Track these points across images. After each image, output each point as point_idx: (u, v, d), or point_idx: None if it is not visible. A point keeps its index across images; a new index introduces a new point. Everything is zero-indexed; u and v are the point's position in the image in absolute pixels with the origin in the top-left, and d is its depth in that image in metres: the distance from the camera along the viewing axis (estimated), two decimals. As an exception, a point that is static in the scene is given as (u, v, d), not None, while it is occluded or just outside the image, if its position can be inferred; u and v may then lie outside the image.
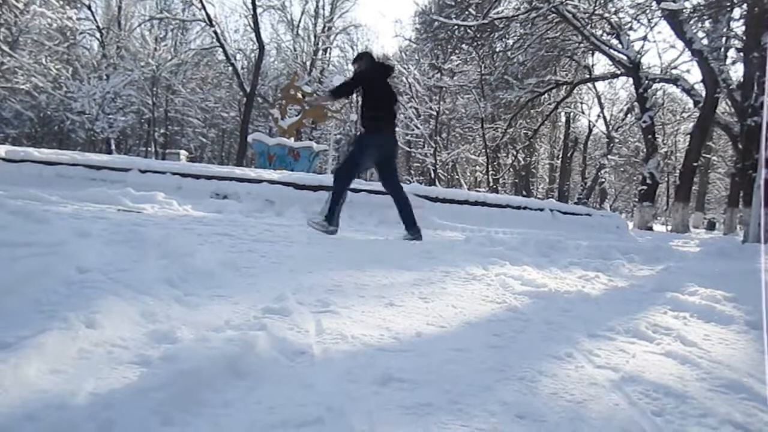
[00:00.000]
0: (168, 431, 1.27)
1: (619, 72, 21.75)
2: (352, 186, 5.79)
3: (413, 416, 1.48)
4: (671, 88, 26.86)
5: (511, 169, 35.07)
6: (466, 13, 20.97)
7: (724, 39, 17.79)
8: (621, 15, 19.60)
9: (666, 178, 35.01)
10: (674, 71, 21.53)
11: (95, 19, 32.74)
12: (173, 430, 1.28)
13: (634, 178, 34.75)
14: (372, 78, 5.70)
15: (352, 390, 1.61)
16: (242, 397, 1.51)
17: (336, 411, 1.43)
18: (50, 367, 1.51)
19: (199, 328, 1.97)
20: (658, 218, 35.27)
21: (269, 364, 1.74)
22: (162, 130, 35.66)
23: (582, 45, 21.69)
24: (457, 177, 34.89)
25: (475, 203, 9.12)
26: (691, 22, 17.09)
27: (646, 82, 19.48)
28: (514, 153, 32.51)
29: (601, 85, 32.96)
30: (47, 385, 1.41)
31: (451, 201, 8.87)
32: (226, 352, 1.69)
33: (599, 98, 33.89)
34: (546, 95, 26.35)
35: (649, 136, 19.82)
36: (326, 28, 38.43)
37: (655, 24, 19.85)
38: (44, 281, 2.18)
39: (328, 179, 8.67)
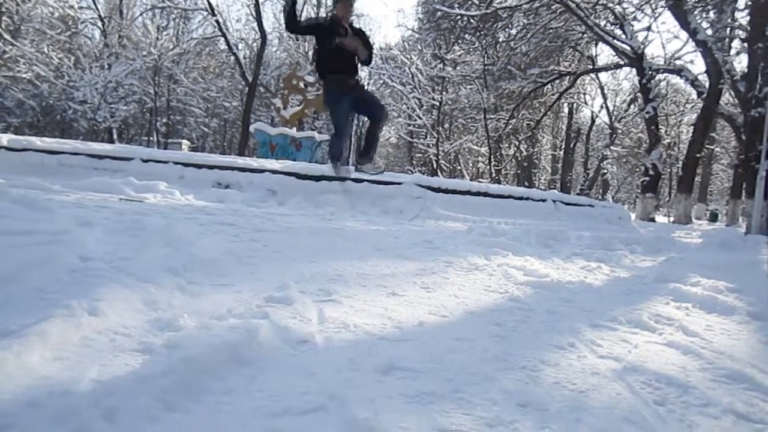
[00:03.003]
0: (170, 417, 1.28)
1: (622, 62, 21.62)
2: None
3: (416, 404, 1.48)
4: (675, 79, 26.68)
5: (513, 160, 34.93)
6: (469, 2, 20.84)
7: (728, 29, 17.68)
8: (625, 5, 19.49)
9: (669, 170, 34.93)
10: (678, 62, 21.43)
11: (97, 8, 32.55)
12: (176, 417, 1.29)
13: (637, 169, 34.62)
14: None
15: (355, 378, 1.61)
16: (245, 384, 1.51)
17: (338, 399, 1.44)
18: (53, 354, 1.52)
19: (202, 316, 1.98)
20: (661, 209, 35.15)
21: (272, 352, 1.75)
22: (164, 120, 35.55)
23: (585, 35, 21.58)
24: (459, 167, 34.81)
25: (478, 194, 9.09)
26: (696, 12, 16.99)
27: (650, 72, 19.38)
28: (517, 144, 32.41)
29: (604, 76, 32.78)
30: (50, 372, 1.42)
31: (454, 191, 8.84)
32: (228, 340, 1.70)
33: (602, 89, 33.71)
34: (549, 86, 26.21)
35: (652, 127, 19.75)
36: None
37: (659, 14, 19.78)
38: (47, 269, 2.18)
39: (330, 170, 8.66)
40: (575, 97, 34.95)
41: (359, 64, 5.67)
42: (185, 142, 32.85)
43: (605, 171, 37.22)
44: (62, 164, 7.69)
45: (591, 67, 25.68)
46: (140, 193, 6.08)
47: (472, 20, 21.20)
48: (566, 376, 1.79)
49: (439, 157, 31.31)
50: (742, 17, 16.89)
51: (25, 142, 8.02)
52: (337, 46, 5.45)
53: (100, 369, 1.47)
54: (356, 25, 5.88)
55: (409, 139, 35.51)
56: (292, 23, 5.63)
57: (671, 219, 21.54)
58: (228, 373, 1.56)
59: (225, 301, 2.22)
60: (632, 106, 32.89)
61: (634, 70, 21.38)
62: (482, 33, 22.63)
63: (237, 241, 3.71)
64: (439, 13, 23.03)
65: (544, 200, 9.65)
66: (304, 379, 1.57)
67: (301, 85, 16.91)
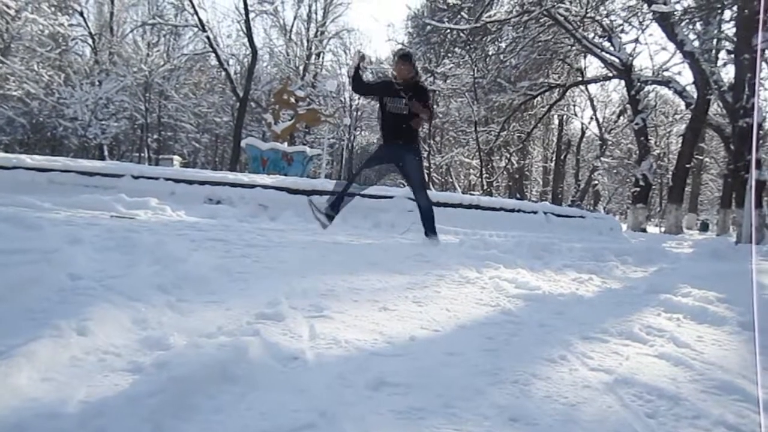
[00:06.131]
0: (160, 438, 1.27)
1: (611, 74, 21.85)
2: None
3: (406, 420, 1.48)
4: (663, 90, 27.03)
5: (504, 172, 35.11)
6: (459, 16, 21.01)
7: (715, 41, 17.90)
8: (612, 17, 19.73)
9: (659, 180, 35.15)
10: (666, 73, 21.64)
11: (87, 26, 32.67)
12: (165, 438, 1.28)
13: (628, 180, 34.80)
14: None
15: (345, 395, 1.61)
16: (234, 402, 1.50)
17: (329, 416, 1.43)
18: (41, 376, 1.50)
19: (192, 335, 1.96)
20: (652, 220, 35.36)
21: (262, 369, 1.74)
22: (155, 136, 35.56)
23: (574, 48, 21.81)
24: (451, 180, 34.94)
25: (469, 206, 9.12)
26: (683, 24, 17.19)
27: (639, 84, 19.58)
28: (508, 156, 32.59)
29: (593, 88, 33.06)
30: (38, 394, 1.40)
31: (445, 204, 8.85)
32: (218, 358, 1.69)
33: (592, 101, 33.99)
34: (539, 98, 26.48)
35: (642, 138, 19.92)
36: (319, 33, 38.44)
37: (647, 26, 20.03)
38: (36, 288, 2.17)
39: (321, 184, 8.67)
40: (565, 109, 35.26)
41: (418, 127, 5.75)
42: (176, 158, 32.87)
43: (596, 182, 37.46)
44: (53, 182, 7.65)
45: (580, 79, 25.93)
46: (131, 210, 6.05)
47: (461, 34, 21.38)
48: (557, 389, 1.79)
49: (431, 170, 31.40)
50: (729, 29, 17.11)
51: (16, 160, 7.99)
52: (391, 111, 5.64)
53: (89, 390, 1.46)
54: (420, 81, 6.12)
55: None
56: (357, 86, 6.06)
57: (662, 229, 21.65)
58: (217, 391, 1.55)
59: (215, 319, 2.21)
60: (622, 118, 33.17)
61: (622, 82, 21.58)
62: (472, 46, 22.85)
63: (228, 256, 3.69)
64: (428, 27, 23.23)
65: (535, 212, 9.69)
66: (294, 396, 1.56)
67: (292, 99, 16.98)
